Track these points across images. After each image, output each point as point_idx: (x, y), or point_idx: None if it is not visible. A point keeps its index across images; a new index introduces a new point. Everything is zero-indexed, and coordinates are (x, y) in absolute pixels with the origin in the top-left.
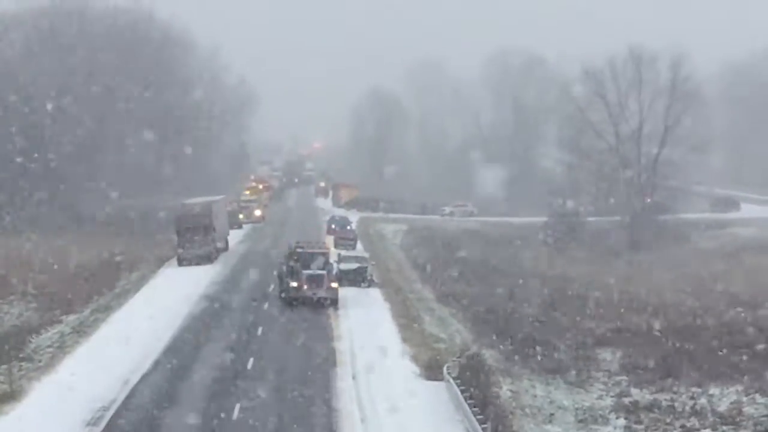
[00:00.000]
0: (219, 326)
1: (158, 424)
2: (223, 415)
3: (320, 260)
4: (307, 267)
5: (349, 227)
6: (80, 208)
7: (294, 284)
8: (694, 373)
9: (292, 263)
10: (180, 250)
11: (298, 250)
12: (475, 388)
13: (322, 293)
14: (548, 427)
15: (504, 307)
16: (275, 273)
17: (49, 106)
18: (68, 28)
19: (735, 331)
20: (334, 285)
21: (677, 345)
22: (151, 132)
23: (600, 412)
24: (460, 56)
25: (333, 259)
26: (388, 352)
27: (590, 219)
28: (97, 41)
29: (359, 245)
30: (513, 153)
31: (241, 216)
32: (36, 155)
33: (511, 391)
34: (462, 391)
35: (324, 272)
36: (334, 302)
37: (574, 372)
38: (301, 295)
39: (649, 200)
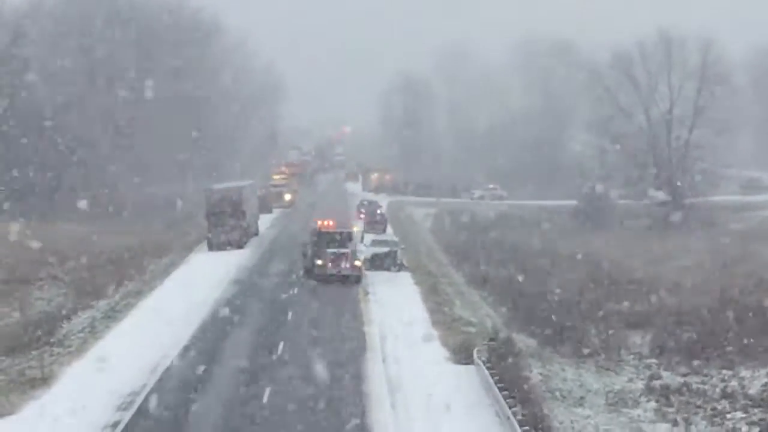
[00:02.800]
0: (249, 311)
1: (188, 409)
2: (253, 398)
3: (344, 239)
4: (331, 245)
5: (379, 211)
6: (109, 194)
7: (319, 262)
8: (725, 355)
9: (317, 242)
10: (210, 235)
11: (322, 229)
12: (505, 371)
13: (345, 271)
14: (579, 410)
15: (535, 291)
16: (302, 253)
17: (76, 94)
18: (96, 13)
19: (764, 313)
20: (357, 263)
21: (708, 327)
22: (180, 117)
23: (630, 395)
24: (489, 41)
25: (361, 239)
26: (418, 335)
27: (620, 202)
28: (126, 25)
29: (389, 229)
30: (542, 136)
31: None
32: (64, 143)
33: (541, 374)
34: (492, 375)
35: (347, 251)
36: (358, 279)
37: (604, 355)
38: (325, 272)
39: (679, 183)
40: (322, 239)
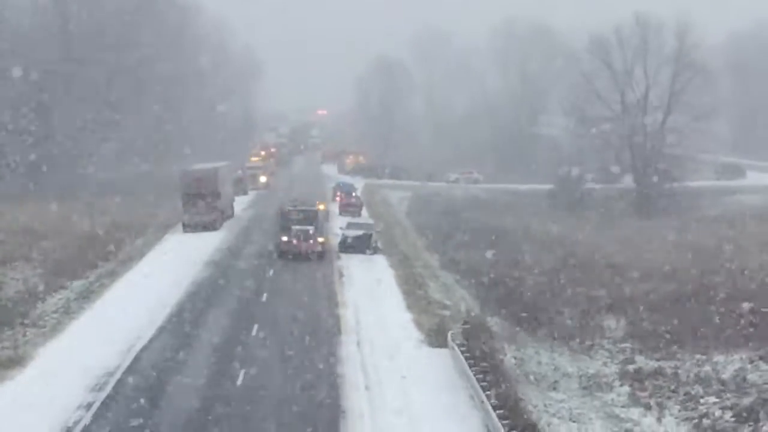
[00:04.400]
0: (224, 292)
1: (162, 390)
2: (227, 380)
3: (309, 217)
4: (297, 223)
5: (354, 194)
6: (84, 174)
7: (284, 239)
8: (699, 340)
9: (284, 220)
10: (185, 217)
11: (289, 208)
12: (480, 354)
13: (309, 247)
14: (552, 394)
15: (509, 274)
16: (275, 233)
17: (54, 72)
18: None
19: (739, 298)
20: (321, 239)
21: (682, 312)
22: (156, 98)
23: (604, 379)
24: (467, 25)
25: (326, 217)
26: (392, 318)
27: (596, 187)
28: (103, 5)
29: (364, 212)
30: (518, 121)
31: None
32: (40, 122)
33: (515, 358)
34: (466, 358)
35: (312, 228)
36: (321, 255)
37: (578, 339)
38: (290, 249)
39: (654, 168)
40: (288, 217)
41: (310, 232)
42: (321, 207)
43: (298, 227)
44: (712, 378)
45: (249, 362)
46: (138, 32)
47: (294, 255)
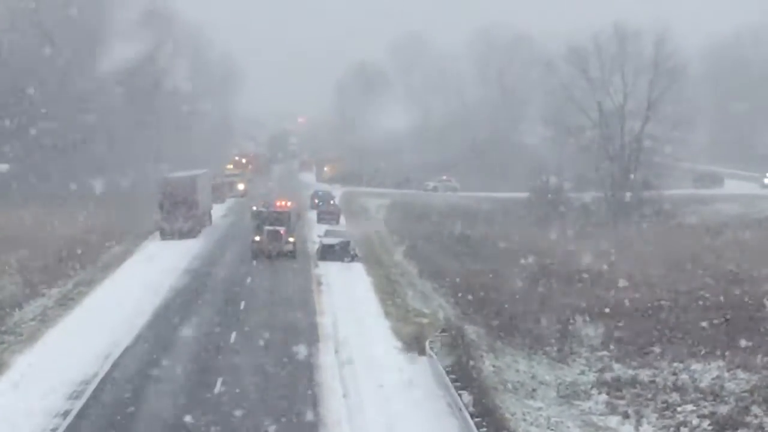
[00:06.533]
0: (202, 300)
1: (140, 398)
2: (205, 388)
3: (280, 218)
4: (269, 224)
5: (332, 202)
6: (63, 182)
7: (257, 239)
8: (676, 348)
9: (256, 221)
10: (163, 224)
11: (261, 209)
12: (457, 363)
13: (280, 246)
14: (530, 402)
15: (487, 283)
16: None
17: (31, 82)
18: (51, 3)
19: (717, 307)
20: (291, 239)
21: (659, 321)
22: (134, 105)
23: (582, 387)
24: (446, 31)
25: (297, 217)
26: (370, 326)
27: (573, 195)
28: (78, 11)
29: (342, 220)
30: (497, 129)
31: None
32: (17, 129)
33: (493, 366)
34: (444, 366)
35: (282, 228)
36: (292, 254)
37: (556, 347)
38: (262, 248)
39: (632, 176)
40: (261, 218)
41: (281, 232)
42: (288, 204)
43: (269, 228)
44: (690, 386)
45: (227, 370)
46: (116, 38)
47: (266, 255)
